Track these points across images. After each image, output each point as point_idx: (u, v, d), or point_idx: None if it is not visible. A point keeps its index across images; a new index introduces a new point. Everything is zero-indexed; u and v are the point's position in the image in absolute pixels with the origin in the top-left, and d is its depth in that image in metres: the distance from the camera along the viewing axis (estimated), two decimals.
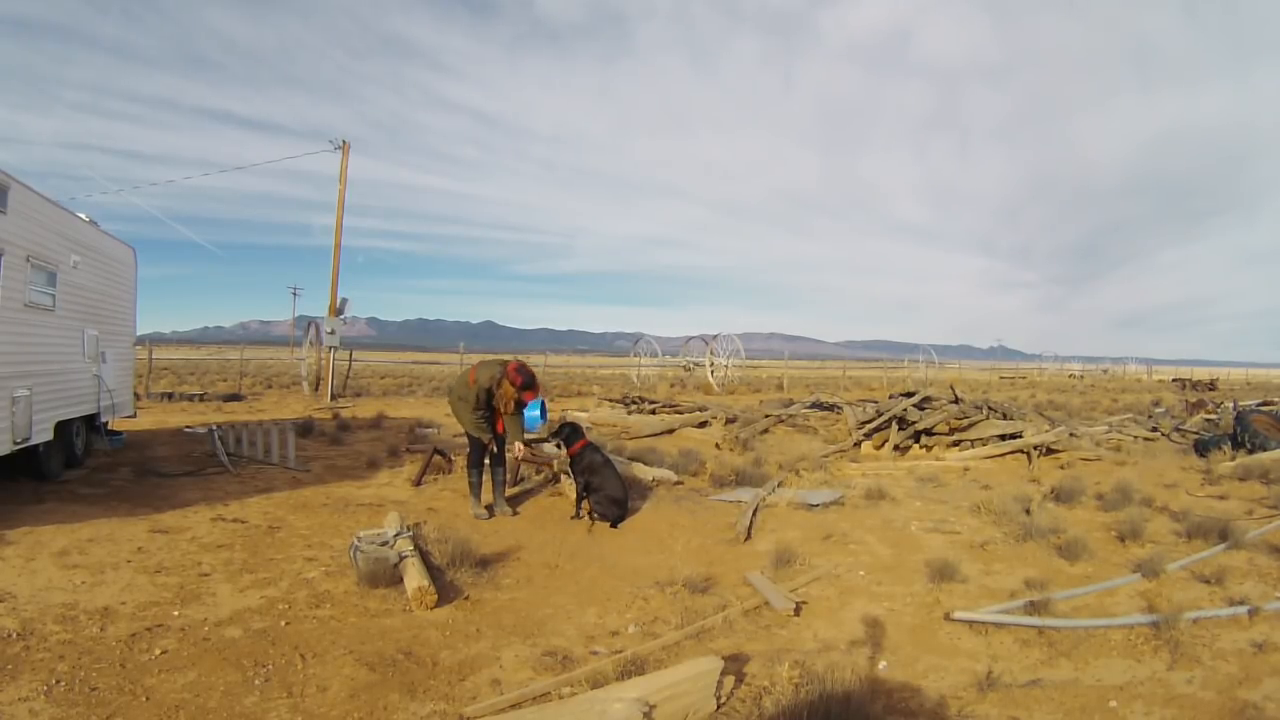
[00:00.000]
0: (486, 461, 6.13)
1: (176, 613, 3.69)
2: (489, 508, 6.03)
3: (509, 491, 6.53)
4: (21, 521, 5.14)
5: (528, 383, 5.79)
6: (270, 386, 22.30)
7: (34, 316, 6.17)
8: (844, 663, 3.13)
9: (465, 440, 6.32)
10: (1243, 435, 9.35)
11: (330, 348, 18.07)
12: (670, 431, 11.37)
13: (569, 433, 6.17)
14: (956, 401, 10.79)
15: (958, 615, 3.79)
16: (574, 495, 6.09)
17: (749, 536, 5.41)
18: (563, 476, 6.79)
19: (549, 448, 7.17)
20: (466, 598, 4.07)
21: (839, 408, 13.34)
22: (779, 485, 7.03)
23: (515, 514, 6.04)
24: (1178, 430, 12.31)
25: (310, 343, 21.08)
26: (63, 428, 6.84)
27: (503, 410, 5.89)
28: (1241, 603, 3.88)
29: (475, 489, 6.09)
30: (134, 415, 9.63)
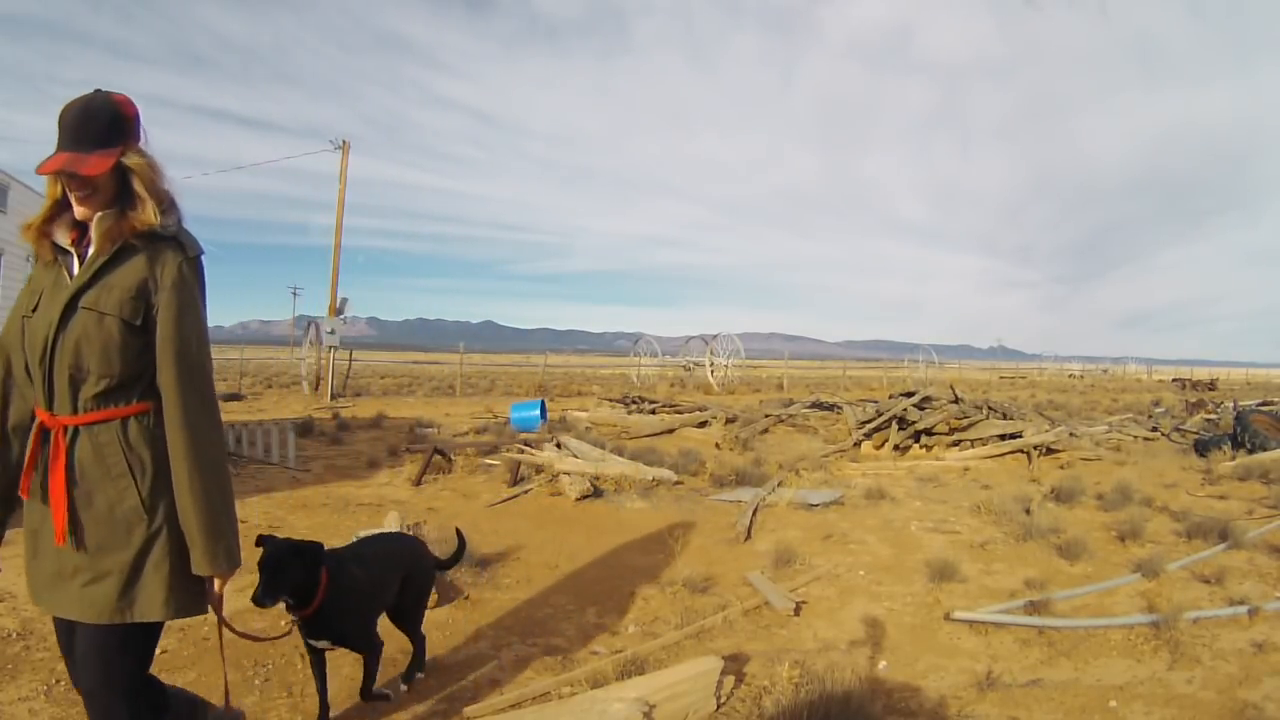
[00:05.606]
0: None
1: None
2: None
3: (508, 493, 6.18)
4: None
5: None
6: (270, 386, 22.30)
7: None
8: (844, 662, 3.13)
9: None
10: (1243, 435, 9.35)
11: (330, 347, 18.07)
12: (670, 431, 11.36)
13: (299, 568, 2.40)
14: (956, 401, 10.79)
15: (958, 615, 3.79)
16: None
17: (749, 536, 5.41)
18: (562, 476, 6.78)
19: None
20: (466, 597, 4.07)
21: (839, 408, 13.34)
22: (779, 485, 7.03)
23: None
24: (1178, 430, 12.31)
25: (310, 342, 21.08)
26: None
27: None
28: (1241, 603, 3.88)
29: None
30: None
